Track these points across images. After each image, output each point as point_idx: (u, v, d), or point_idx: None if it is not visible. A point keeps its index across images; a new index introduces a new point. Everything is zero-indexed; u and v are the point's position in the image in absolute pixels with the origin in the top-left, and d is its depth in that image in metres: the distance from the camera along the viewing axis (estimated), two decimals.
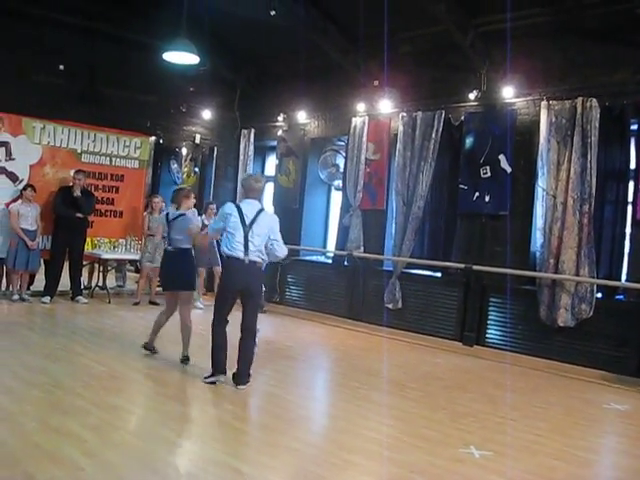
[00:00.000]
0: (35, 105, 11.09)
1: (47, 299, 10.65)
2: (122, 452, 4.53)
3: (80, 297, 11.12)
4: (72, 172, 11.21)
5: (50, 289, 10.84)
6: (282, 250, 6.82)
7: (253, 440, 5.18)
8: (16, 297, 10.49)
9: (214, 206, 11.55)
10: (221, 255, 7.07)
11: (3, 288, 10.97)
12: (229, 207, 6.70)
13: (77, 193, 10.95)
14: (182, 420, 5.52)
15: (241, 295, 6.73)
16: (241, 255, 6.49)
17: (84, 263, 12.16)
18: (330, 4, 10.92)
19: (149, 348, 7.63)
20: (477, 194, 9.70)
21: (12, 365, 6.64)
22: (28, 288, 10.93)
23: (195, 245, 7.61)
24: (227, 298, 6.73)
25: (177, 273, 7.41)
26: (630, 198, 8.57)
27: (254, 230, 6.54)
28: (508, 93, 9.45)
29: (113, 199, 12.26)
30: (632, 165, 8.57)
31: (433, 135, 10.20)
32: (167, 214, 7.67)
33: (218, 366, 6.65)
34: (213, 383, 6.57)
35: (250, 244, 6.51)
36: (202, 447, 4.85)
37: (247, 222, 6.53)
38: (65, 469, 4.14)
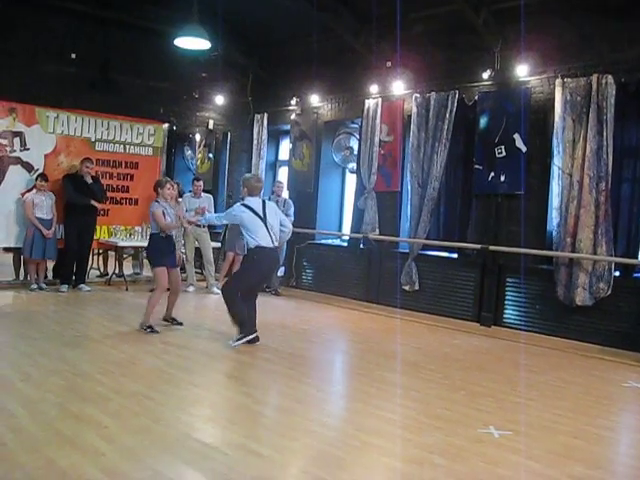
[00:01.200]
0: (48, 94, 11.14)
1: (65, 288, 10.71)
2: (142, 437, 4.56)
3: (83, 285, 11.12)
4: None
5: (67, 278, 10.89)
6: (289, 225, 8.05)
7: (272, 423, 5.20)
8: (34, 286, 10.56)
9: None
10: (249, 248, 7.68)
11: (21, 277, 11.07)
12: (239, 209, 7.62)
13: (89, 180, 10.99)
14: (201, 405, 5.55)
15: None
16: (271, 244, 7.53)
17: (100, 251, 12.26)
18: None
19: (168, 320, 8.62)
20: (492, 174, 9.64)
21: (32, 353, 6.71)
22: (45, 277, 10.99)
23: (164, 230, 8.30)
24: (256, 282, 7.86)
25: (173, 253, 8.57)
26: None
27: (268, 220, 7.56)
28: (522, 71, 9.36)
29: (128, 187, 12.29)
30: None
31: (447, 116, 10.14)
32: None
33: (247, 325, 7.59)
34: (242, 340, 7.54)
35: (272, 232, 7.55)
36: (222, 431, 4.87)
37: (261, 215, 7.52)
38: (86, 454, 4.18)
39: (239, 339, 7.54)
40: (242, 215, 7.52)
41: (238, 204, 7.75)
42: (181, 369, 6.61)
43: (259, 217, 7.49)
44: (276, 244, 7.67)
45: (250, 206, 7.55)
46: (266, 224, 7.50)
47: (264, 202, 7.71)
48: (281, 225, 7.78)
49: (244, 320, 7.58)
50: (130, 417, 4.98)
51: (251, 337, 7.61)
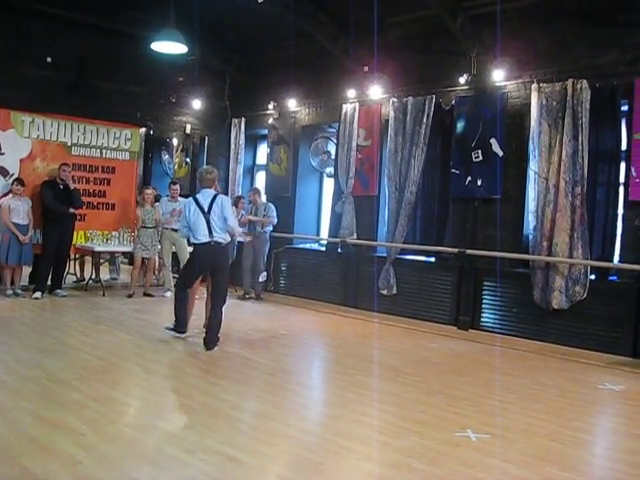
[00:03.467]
0: (23, 99, 11.02)
1: (38, 294, 10.53)
2: (119, 444, 4.52)
3: (59, 290, 11.02)
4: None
5: (41, 284, 10.74)
6: (233, 223, 7.84)
7: (250, 429, 5.18)
8: (10, 292, 10.45)
9: (244, 199, 12.35)
10: (190, 242, 8.07)
11: None
12: (187, 202, 7.83)
13: (71, 184, 10.93)
14: (178, 411, 5.52)
15: (210, 271, 7.86)
16: (206, 239, 7.55)
17: (76, 256, 12.15)
18: None
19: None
20: (469, 178, 9.70)
21: (7, 360, 6.64)
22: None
23: None
24: (194, 274, 7.95)
25: None
26: (622, 179, 8.57)
27: (212, 215, 7.56)
28: (498, 76, 9.43)
29: (105, 191, 12.18)
30: (623, 146, 8.57)
31: (424, 120, 10.18)
32: None
33: (181, 323, 7.89)
34: (172, 331, 7.98)
35: (213, 227, 7.55)
36: (199, 437, 4.84)
37: (206, 209, 7.56)
38: (61, 462, 4.13)
39: (171, 329, 7.98)
40: (188, 209, 7.66)
41: (189, 198, 8.03)
42: (158, 375, 6.59)
43: (202, 211, 7.55)
44: (215, 239, 7.58)
45: (197, 199, 7.68)
46: (208, 218, 7.54)
47: (215, 196, 7.69)
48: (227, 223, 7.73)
49: (181, 318, 7.89)
50: (107, 424, 4.94)
51: (180, 335, 7.95)
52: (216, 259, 7.67)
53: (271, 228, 12.07)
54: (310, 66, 12.09)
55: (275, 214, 11.93)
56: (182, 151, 14.14)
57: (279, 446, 4.76)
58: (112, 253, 12.46)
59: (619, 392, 6.91)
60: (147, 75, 12.59)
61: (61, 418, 4.97)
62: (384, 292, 10.71)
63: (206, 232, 7.53)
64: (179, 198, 11.82)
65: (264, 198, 12.55)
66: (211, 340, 7.65)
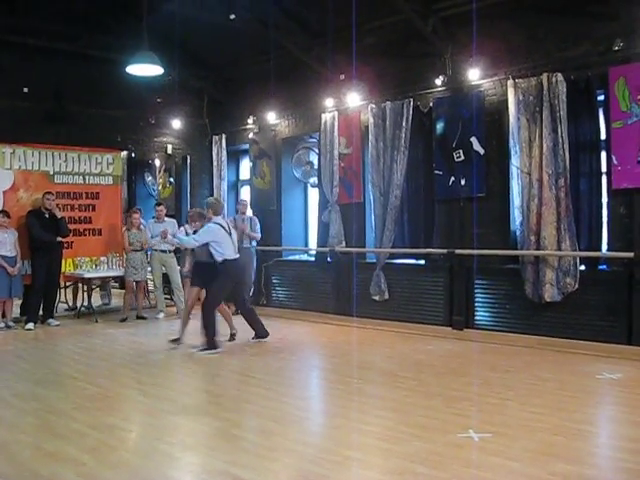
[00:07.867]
0: (3, 130, 10.98)
1: (31, 325, 10.47)
2: (121, 471, 4.50)
3: (51, 320, 10.95)
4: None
5: (33, 315, 10.68)
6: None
7: (252, 446, 5.16)
8: (1, 325, 10.38)
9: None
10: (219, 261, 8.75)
11: None
12: (215, 226, 8.69)
13: (58, 213, 10.90)
14: (179, 433, 5.49)
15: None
16: (235, 255, 8.85)
17: (68, 284, 12.09)
18: (291, 2, 10.94)
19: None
20: (453, 179, 9.73)
21: (3, 394, 6.58)
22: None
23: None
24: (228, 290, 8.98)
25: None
26: (604, 168, 8.61)
27: (232, 235, 8.86)
28: (474, 75, 9.48)
29: (90, 217, 12.14)
30: (602, 135, 8.62)
31: (404, 124, 10.21)
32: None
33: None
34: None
35: (235, 245, 8.89)
36: (202, 458, 4.83)
37: (229, 231, 8.80)
38: None
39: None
40: (218, 232, 8.63)
41: (211, 223, 8.75)
42: (156, 398, 6.55)
43: (228, 233, 8.75)
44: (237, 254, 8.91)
45: (221, 224, 8.74)
46: (231, 238, 8.80)
47: (226, 221, 9.06)
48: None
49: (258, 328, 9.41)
50: (108, 452, 4.91)
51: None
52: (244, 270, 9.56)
53: (255, 243, 12.03)
54: (287, 78, 12.10)
55: (259, 228, 11.90)
56: (165, 172, 14.13)
57: (282, 461, 4.74)
58: (103, 278, 12.41)
59: (617, 380, 6.94)
60: (125, 98, 12.58)
61: (61, 449, 4.94)
62: (376, 298, 10.71)
63: (233, 250, 8.79)
64: (165, 218, 11.83)
65: (250, 212, 12.49)
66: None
